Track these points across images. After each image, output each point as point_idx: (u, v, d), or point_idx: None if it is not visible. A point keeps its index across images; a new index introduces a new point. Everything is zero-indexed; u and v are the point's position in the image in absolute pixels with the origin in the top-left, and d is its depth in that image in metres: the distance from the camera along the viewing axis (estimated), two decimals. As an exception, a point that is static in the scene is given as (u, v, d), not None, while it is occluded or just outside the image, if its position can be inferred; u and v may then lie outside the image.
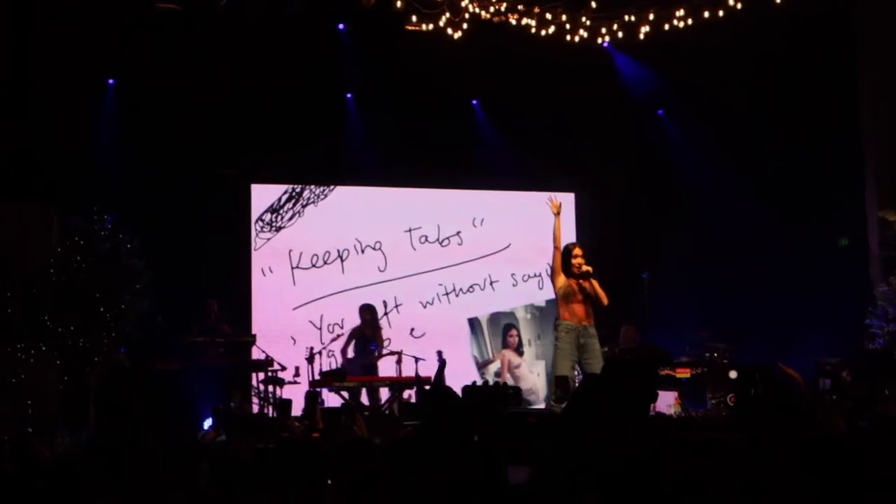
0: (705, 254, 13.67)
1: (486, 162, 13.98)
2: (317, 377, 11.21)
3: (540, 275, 14.05)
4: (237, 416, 10.09)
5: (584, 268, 9.39)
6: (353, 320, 12.82)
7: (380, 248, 13.86)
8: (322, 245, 13.64)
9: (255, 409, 11.26)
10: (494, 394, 10.72)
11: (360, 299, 13.13)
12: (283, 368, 11.23)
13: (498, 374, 13.77)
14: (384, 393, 11.78)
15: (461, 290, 14.07)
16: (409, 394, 11.48)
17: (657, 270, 12.04)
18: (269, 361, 11.18)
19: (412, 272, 13.90)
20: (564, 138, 13.53)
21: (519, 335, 14.10)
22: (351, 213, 13.87)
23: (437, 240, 14.14)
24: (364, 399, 11.66)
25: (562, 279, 9.45)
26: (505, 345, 14.00)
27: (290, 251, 13.50)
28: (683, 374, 10.93)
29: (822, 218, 12.96)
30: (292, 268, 13.49)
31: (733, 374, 10.56)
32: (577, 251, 9.53)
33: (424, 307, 13.86)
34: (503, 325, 14.09)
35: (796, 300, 12.71)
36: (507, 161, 13.84)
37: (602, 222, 14.09)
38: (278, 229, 13.49)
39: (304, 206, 13.60)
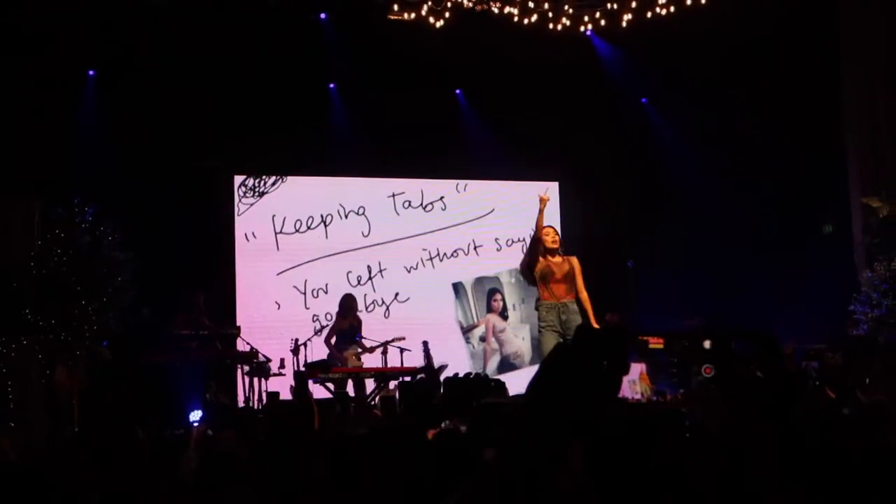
0: (690, 241, 13.68)
1: (470, 152, 13.97)
2: (302, 368, 11.16)
3: (524, 239, 14.06)
4: (218, 407, 10.06)
5: (552, 245, 9.39)
6: (338, 285, 13.09)
7: (363, 213, 13.85)
8: (305, 210, 13.63)
9: (241, 401, 11.24)
10: (476, 386, 10.63)
11: (345, 264, 13.37)
12: (268, 360, 11.19)
13: (483, 339, 13.92)
14: (369, 384, 11.74)
15: (445, 254, 14.11)
16: (394, 384, 11.45)
17: (642, 259, 12.04)
18: (253, 354, 11.14)
19: (396, 237, 13.93)
20: (548, 127, 13.52)
21: (503, 299, 14.17)
22: (334, 178, 13.90)
23: (421, 205, 14.17)
24: (350, 390, 11.62)
25: (538, 262, 9.46)
26: (489, 309, 14.09)
27: (274, 216, 13.47)
28: (657, 344, 10.53)
29: (807, 205, 12.99)
30: (276, 233, 13.47)
31: (707, 344, 10.19)
32: (548, 229, 9.57)
33: (409, 272, 13.90)
34: (487, 290, 14.16)
35: (781, 287, 12.73)
36: (491, 151, 13.83)
37: (587, 211, 14.08)
38: (261, 194, 13.45)
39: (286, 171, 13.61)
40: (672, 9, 11.26)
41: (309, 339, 11.77)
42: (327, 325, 12.53)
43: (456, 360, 13.49)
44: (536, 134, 13.60)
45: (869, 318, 11.25)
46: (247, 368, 11.21)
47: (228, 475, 4.69)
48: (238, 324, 12.40)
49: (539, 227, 9.59)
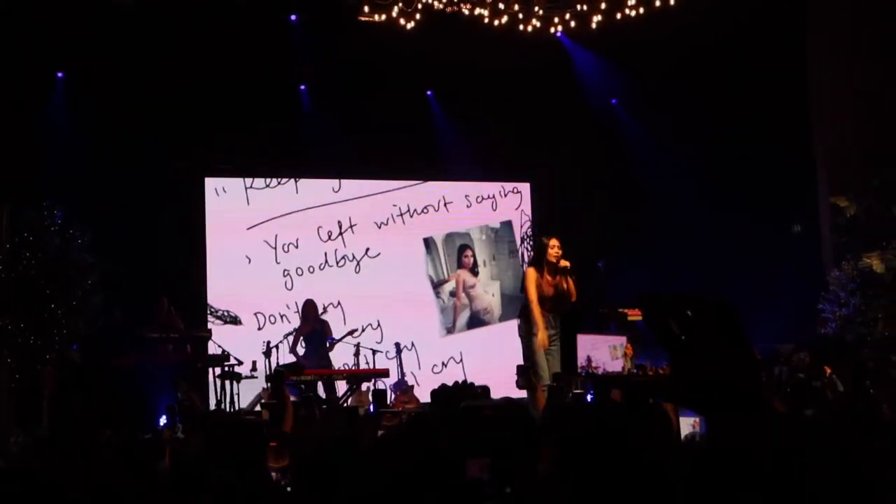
0: (660, 242, 13.74)
1: (441, 153, 14.00)
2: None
3: (493, 196, 14.42)
4: (187, 409, 10.02)
5: (563, 263, 9.36)
6: (308, 240, 13.39)
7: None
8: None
9: (213, 404, 11.20)
10: (463, 395, 10.63)
11: (315, 219, 13.54)
12: (240, 363, 11.15)
13: (453, 294, 14.07)
14: (341, 386, 11.76)
15: (416, 210, 14.17)
16: (367, 386, 11.46)
17: (613, 259, 12.08)
18: (225, 356, 11.09)
19: (367, 193, 13.98)
20: (520, 128, 13.57)
21: (474, 255, 14.32)
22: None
23: (392, 161, 14.27)
24: (321, 392, 11.61)
25: (534, 277, 9.39)
26: (460, 265, 14.23)
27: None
28: (635, 316, 10.22)
29: (775, 205, 13.08)
30: (246, 188, 13.49)
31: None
32: (554, 241, 9.52)
33: (379, 227, 13.96)
34: (458, 246, 14.29)
35: (750, 286, 12.80)
36: (462, 152, 13.87)
37: (558, 212, 14.13)
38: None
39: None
40: (641, 10, 11.31)
41: (280, 342, 11.78)
42: (293, 333, 12.55)
43: (426, 315, 13.83)
44: (508, 135, 13.65)
45: (837, 317, 11.34)
46: (218, 371, 11.17)
47: (200, 478, 4.68)
48: (209, 283, 12.73)
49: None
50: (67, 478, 4.80)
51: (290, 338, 12.30)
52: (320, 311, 12.79)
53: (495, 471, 4.54)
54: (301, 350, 12.26)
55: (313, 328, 12.26)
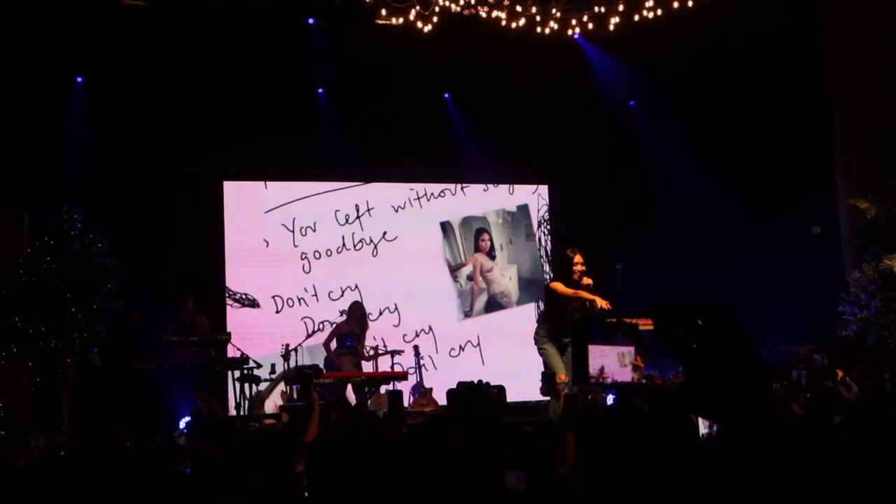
0: (679, 244, 13.71)
1: (459, 155, 14.00)
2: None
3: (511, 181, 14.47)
4: (203, 418, 10.03)
5: (586, 280, 9.34)
6: (326, 223, 13.47)
7: None
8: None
9: (232, 407, 11.23)
10: (478, 396, 10.59)
11: (332, 203, 13.58)
12: (259, 366, 11.17)
13: (470, 278, 14.12)
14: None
15: (432, 194, 14.21)
16: (386, 389, 11.45)
17: (631, 261, 12.06)
18: (244, 359, 11.11)
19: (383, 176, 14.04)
20: (537, 130, 13.55)
21: (491, 239, 14.36)
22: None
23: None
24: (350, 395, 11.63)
25: (563, 286, 9.38)
26: (477, 248, 14.26)
27: None
28: (647, 326, 10.14)
29: (794, 206, 13.03)
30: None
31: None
32: (578, 258, 9.48)
33: (396, 211, 14.00)
34: (475, 230, 14.32)
35: (769, 289, 12.76)
36: (480, 154, 13.86)
37: (576, 213, 14.12)
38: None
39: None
40: (659, 12, 11.27)
41: (300, 345, 11.80)
42: (319, 331, 12.57)
43: (444, 299, 13.94)
44: (526, 137, 13.63)
45: (858, 319, 11.27)
46: (237, 374, 11.18)
47: (216, 481, 4.71)
48: (227, 266, 12.83)
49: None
50: (88, 481, 4.82)
51: (326, 332, 12.43)
52: (338, 295, 12.92)
53: (533, 483, 4.53)
54: (333, 346, 12.24)
55: (350, 329, 12.25)
